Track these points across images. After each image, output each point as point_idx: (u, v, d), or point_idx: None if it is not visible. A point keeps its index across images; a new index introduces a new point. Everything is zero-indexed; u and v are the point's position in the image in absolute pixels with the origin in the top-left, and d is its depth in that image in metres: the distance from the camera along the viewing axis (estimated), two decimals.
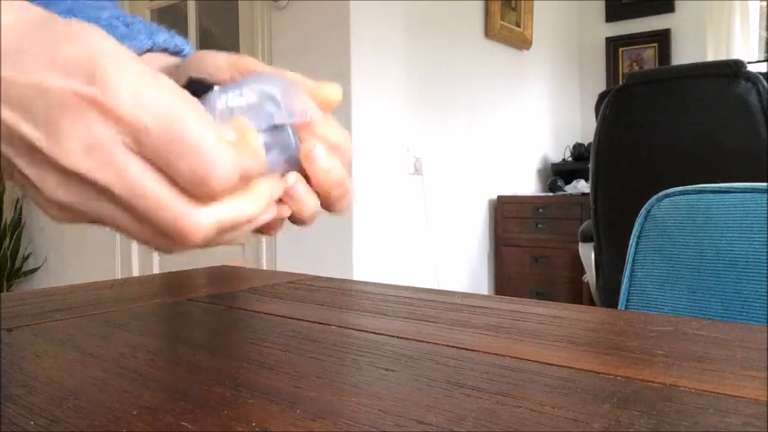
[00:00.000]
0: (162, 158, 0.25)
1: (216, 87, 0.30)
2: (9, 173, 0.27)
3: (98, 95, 0.24)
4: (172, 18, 3.13)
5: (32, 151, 0.25)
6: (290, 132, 0.32)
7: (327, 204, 0.35)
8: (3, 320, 0.47)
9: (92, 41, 0.25)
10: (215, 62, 0.36)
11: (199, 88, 0.30)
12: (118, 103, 0.24)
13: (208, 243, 0.28)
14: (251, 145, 0.28)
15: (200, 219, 0.26)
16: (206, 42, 2.99)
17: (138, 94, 0.25)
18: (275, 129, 0.31)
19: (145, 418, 0.27)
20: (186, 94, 0.27)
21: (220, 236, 0.28)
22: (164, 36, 0.45)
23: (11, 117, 0.25)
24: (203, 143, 0.25)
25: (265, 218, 0.30)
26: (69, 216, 0.27)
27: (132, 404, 0.28)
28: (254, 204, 0.28)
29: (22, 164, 0.26)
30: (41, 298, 0.57)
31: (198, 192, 0.26)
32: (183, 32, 2.94)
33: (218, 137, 0.26)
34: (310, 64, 2.31)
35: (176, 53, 0.46)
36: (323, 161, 0.32)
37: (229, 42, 2.71)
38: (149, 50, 0.44)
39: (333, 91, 0.35)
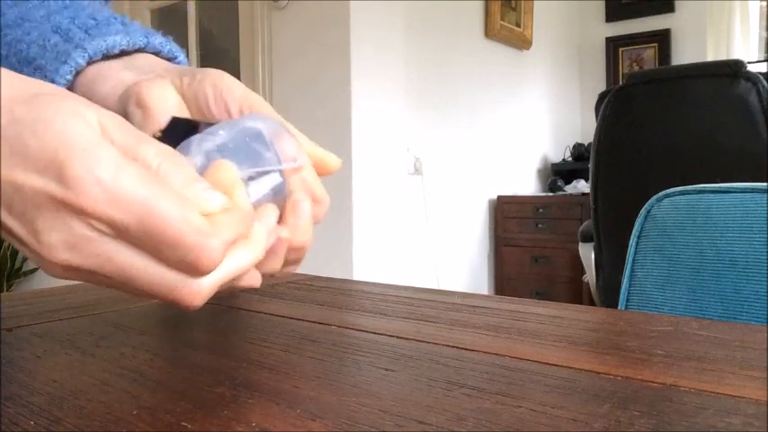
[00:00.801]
0: (147, 247, 0.26)
1: (202, 127, 0.30)
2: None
3: (69, 198, 0.24)
4: (172, 18, 3.13)
5: (21, 242, 0.26)
6: (280, 175, 0.31)
7: (284, 263, 0.34)
8: (3, 320, 0.47)
9: (58, 131, 0.25)
10: (230, 88, 0.35)
11: (182, 126, 0.30)
12: (90, 203, 0.24)
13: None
14: (238, 205, 0.28)
15: (198, 287, 0.27)
16: (206, 42, 2.99)
17: (109, 191, 0.24)
18: (264, 170, 0.30)
19: (145, 418, 0.27)
20: (163, 169, 0.26)
21: (224, 287, 0.28)
22: (159, 39, 0.44)
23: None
24: (185, 233, 0.25)
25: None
26: (73, 274, 0.28)
27: (132, 404, 0.28)
28: (252, 253, 0.28)
29: (16, 244, 0.27)
30: (41, 298, 0.57)
31: (191, 273, 0.26)
32: (183, 32, 2.95)
33: (199, 221, 0.25)
34: (310, 64, 2.31)
35: (169, 59, 0.44)
36: (307, 218, 0.32)
37: (229, 42, 2.71)
38: (142, 50, 0.43)
39: (332, 160, 0.35)
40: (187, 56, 0.48)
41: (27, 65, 0.42)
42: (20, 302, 0.54)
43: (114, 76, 0.40)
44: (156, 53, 0.43)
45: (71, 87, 0.40)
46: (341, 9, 2.22)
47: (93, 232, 0.25)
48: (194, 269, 0.26)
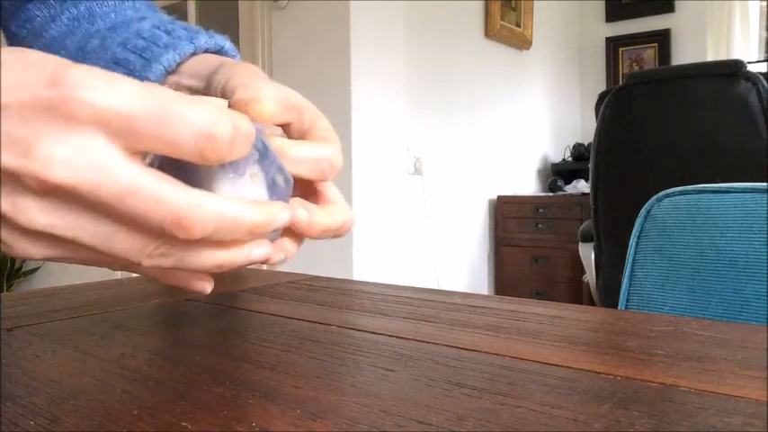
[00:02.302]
0: (155, 141, 0.23)
1: None
2: None
3: (64, 92, 0.22)
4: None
5: (3, 177, 0.23)
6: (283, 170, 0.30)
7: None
8: (3, 320, 0.47)
9: (36, 54, 0.23)
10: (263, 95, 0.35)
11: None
12: (89, 95, 0.22)
13: (205, 238, 0.25)
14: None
15: (203, 205, 0.24)
16: None
17: (109, 85, 0.23)
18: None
19: (145, 418, 0.27)
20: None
21: (217, 235, 0.25)
22: (204, 38, 0.46)
23: None
24: (198, 110, 0.23)
25: (263, 249, 0.28)
26: (43, 247, 0.25)
27: (132, 404, 0.28)
28: (257, 213, 0.26)
29: None
30: (41, 298, 0.57)
31: (205, 157, 0.24)
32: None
33: (212, 106, 0.24)
34: (310, 64, 2.31)
35: (217, 52, 0.46)
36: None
37: None
38: (193, 54, 0.45)
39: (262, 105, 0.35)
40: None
41: None
42: (20, 302, 0.54)
43: None
44: (205, 51, 0.46)
45: None
46: (341, 9, 2.22)
47: (94, 136, 0.23)
48: (211, 146, 0.24)
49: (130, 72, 0.44)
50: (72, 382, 0.32)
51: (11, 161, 0.22)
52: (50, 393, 0.30)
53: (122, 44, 0.46)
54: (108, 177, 0.23)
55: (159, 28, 0.47)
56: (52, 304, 0.53)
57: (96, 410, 0.28)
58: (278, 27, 2.41)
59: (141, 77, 0.43)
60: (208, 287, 0.30)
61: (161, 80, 0.44)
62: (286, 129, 0.37)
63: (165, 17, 0.51)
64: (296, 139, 0.35)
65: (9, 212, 0.24)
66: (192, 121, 0.23)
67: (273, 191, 0.29)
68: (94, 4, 0.52)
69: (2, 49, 0.24)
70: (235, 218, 0.25)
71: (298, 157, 0.32)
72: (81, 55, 0.48)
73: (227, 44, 0.48)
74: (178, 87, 0.43)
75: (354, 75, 2.22)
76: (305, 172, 0.32)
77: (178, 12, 3.02)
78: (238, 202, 0.26)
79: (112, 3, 0.52)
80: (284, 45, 2.40)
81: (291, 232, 0.31)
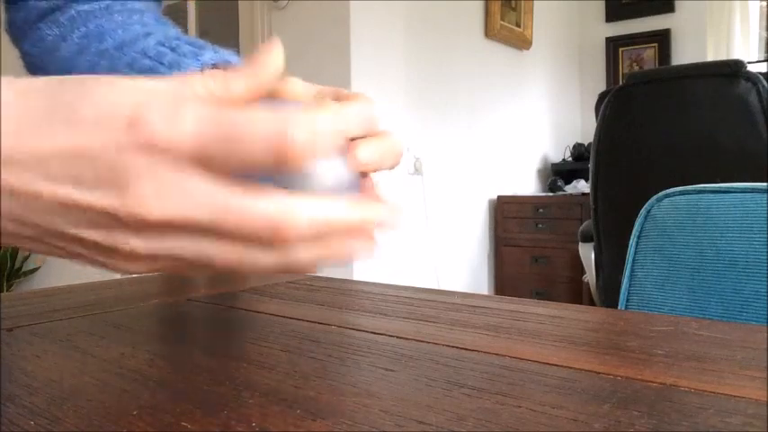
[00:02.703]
0: (233, 162, 0.24)
1: None
2: (51, 250, 0.26)
3: (143, 135, 0.23)
4: (172, 18, 3.13)
5: (98, 216, 0.24)
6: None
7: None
8: (3, 320, 0.47)
9: (101, 91, 0.24)
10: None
11: None
12: (164, 133, 0.23)
13: (303, 245, 0.26)
14: (332, 109, 0.27)
15: (299, 209, 0.24)
16: None
17: (177, 117, 0.23)
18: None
19: (145, 418, 0.27)
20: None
21: (315, 239, 0.26)
22: (209, 53, 0.46)
23: (62, 191, 0.23)
24: (268, 120, 0.24)
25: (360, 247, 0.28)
26: (145, 264, 0.26)
27: (132, 404, 0.28)
28: (353, 212, 0.27)
29: (86, 234, 0.25)
30: (41, 298, 0.57)
31: (288, 167, 0.24)
32: (183, 33, 2.95)
33: (275, 116, 0.24)
34: (310, 64, 2.31)
35: (225, 67, 0.47)
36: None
37: (229, 42, 2.71)
38: (199, 71, 0.44)
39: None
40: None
41: None
42: (20, 302, 0.54)
43: None
44: (212, 67, 0.46)
45: None
46: (341, 9, 2.22)
47: (179, 168, 0.23)
48: (283, 148, 0.23)
49: None
50: (72, 382, 0.32)
51: (106, 202, 0.23)
52: (50, 393, 0.30)
53: (129, 65, 0.46)
54: (198, 205, 0.24)
55: (164, 45, 0.47)
56: (52, 304, 0.53)
57: (96, 410, 0.28)
58: (278, 27, 2.41)
59: None
60: (373, 245, 0.29)
61: None
62: None
63: (173, 31, 0.50)
64: None
65: (111, 245, 0.25)
66: (261, 137, 0.23)
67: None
68: (103, 20, 0.52)
69: (71, 83, 0.24)
70: (330, 220, 0.26)
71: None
72: None
73: (234, 59, 0.47)
74: None
75: (354, 75, 2.22)
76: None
77: (178, 12, 3.02)
78: (332, 203, 0.26)
79: (120, 18, 0.52)
80: (284, 45, 2.39)
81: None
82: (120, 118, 0.23)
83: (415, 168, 2.77)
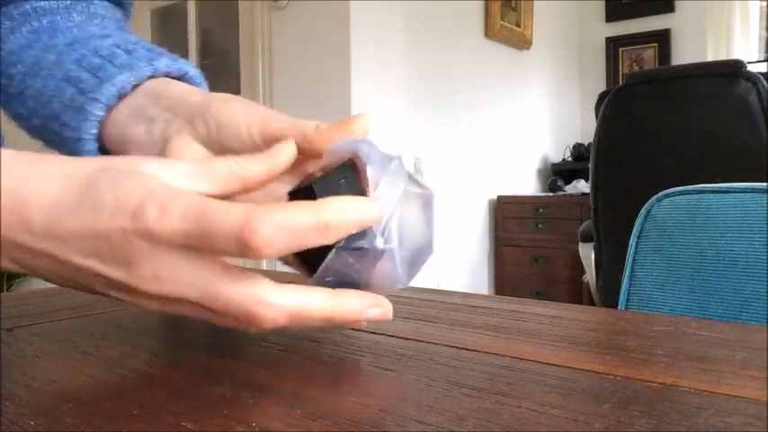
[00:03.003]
0: (212, 250, 0.28)
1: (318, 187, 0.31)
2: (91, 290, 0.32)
3: (143, 226, 0.28)
4: (172, 18, 3.13)
5: (118, 284, 0.30)
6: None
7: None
8: (3, 320, 0.47)
9: (122, 181, 0.29)
10: (249, 124, 0.37)
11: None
12: (157, 226, 0.28)
13: (282, 327, 0.30)
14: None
15: (267, 302, 0.28)
16: (206, 42, 2.99)
17: (167, 211, 0.28)
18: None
19: (145, 418, 0.27)
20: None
21: (293, 323, 0.30)
22: (165, 61, 0.44)
23: (89, 263, 0.29)
24: (228, 218, 0.27)
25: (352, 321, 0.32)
26: (169, 308, 0.31)
27: (132, 404, 0.28)
28: (330, 304, 0.30)
29: (112, 293, 0.31)
30: (41, 298, 0.57)
31: (250, 256, 0.27)
32: (183, 32, 2.95)
33: (242, 209, 0.27)
34: (310, 64, 2.31)
35: (179, 77, 0.45)
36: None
37: (229, 42, 2.71)
38: (151, 77, 0.43)
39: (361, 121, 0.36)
40: (187, 57, 0.48)
41: (53, 121, 0.45)
42: (20, 302, 0.54)
43: (130, 132, 0.42)
44: (165, 75, 0.44)
45: (103, 131, 0.43)
46: (341, 9, 2.22)
47: (172, 255, 0.28)
48: (245, 247, 0.27)
49: (81, 91, 0.43)
50: (72, 382, 0.32)
51: (120, 275, 0.29)
52: (50, 393, 0.30)
53: (77, 61, 0.44)
54: (188, 285, 0.29)
55: (120, 47, 0.45)
56: (52, 304, 0.53)
57: (96, 410, 0.28)
58: (278, 27, 2.41)
59: (91, 99, 0.42)
60: (388, 313, 0.33)
61: (112, 102, 0.42)
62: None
63: (132, 37, 0.48)
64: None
65: (131, 301, 0.31)
66: (227, 230, 0.27)
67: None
68: (59, 18, 0.49)
69: (104, 170, 0.29)
70: (306, 311, 0.30)
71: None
72: (35, 71, 0.46)
73: (192, 70, 0.46)
74: (139, 112, 0.42)
75: (354, 75, 2.22)
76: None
77: (178, 12, 3.02)
78: (311, 293, 0.30)
79: (78, 18, 0.50)
80: (284, 45, 2.40)
81: None
82: (129, 208, 0.28)
83: (415, 168, 2.77)
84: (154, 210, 0.28)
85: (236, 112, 0.37)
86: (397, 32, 2.44)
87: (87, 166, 0.30)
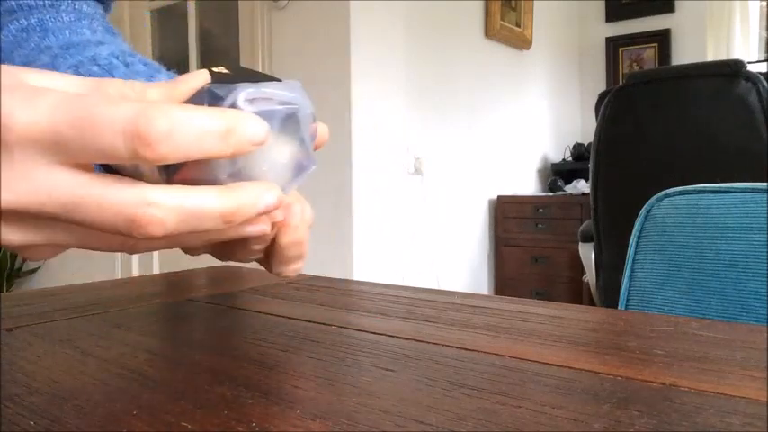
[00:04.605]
0: (86, 150, 0.23)
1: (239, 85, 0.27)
2: None
3: (2, 120, 0.22)
4: (172, 18, 3.13)
5: None
6: (308, 144, 0.29)
7: (279, 260, 0.35)
8: (3, 320, 0.47)
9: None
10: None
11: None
12: (14, 119, 0.22)
13: (173, 234, 0.25)
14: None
15: (155, 202, 0.23)
16: (206, 42, 2.99)
17: (31, 102, 0.23)
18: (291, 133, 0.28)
19: (145, 418, 0.27)
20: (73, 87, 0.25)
21: (186, 226, 0.25)
22: (163, 77, 0.44)
23: None
24: (121, 107, 0.23)
25: (248, 228, 0.28)
26: (33, 253, 0.26)
27: (132, 404, 0.28)
28: (228, 200, 0.25)
29: None
30: (41, 298, 0.57)
31: (143, 157, 0.23)
32: (183, 32, 2.94)
33: (131, 103, 0.23)
34: (310, 64, 2.31)
35: None
36: (297, 219, 0.33)
37: (229, 42, 2.71)
38: None
39: (323, 129, 0.34)
40: (187, 57, 0.48)
41: None
42: (20, 302, 0.54)
43: None
44: None
45: None
46: (341, 9, 2.22)
47: (29, 158, 0.23)
48: (138, 142, 0.22)
49: None
50: (72, 382, 0.32)
51: None
52: (50, 393, 0.30)
53: (75, 67, 0.43)
54: (49, 195, 0.23)
55: (117, 57, 0.44)
56: (52, 304, 0.53)
57: (96, 410, 0.28)
58: (278, 27, 2.41)
59: None
60: (267, 227, 0.29)
61: None
62: None
63: (125, 46, 0.48)
64: None
65: None
66: (116, 119, 0.22)
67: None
68: (47, 17, 0.48)
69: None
70: (198, 210, 0.25)
71: None
72: None
73: None
74: None
75: (354, 75, 2.22)
76: None
77: (178, 12, 3.02)
78: (202, 191, 0.25)
79: (68, 18, 0.49)
80: (284, 45, 2.40)
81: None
82: None
83: (415, 168, 2.77)
84: (12, 102, 0.22)
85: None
86: (397, 32, 2.44)
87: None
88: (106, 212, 0.23)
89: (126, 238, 0.25)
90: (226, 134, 0.24)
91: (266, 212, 0.27)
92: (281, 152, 0.29)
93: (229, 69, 0.29)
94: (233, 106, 0.26)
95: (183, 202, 0.24)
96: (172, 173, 0.26)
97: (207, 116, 0.24)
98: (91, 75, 0.43)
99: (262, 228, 0.29)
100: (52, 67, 0.44)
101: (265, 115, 0.26)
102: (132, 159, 0.23)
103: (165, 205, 0.24)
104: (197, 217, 0.25)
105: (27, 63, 0.45)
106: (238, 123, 0.24)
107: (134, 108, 0.22)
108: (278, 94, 0.28)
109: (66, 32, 0.47)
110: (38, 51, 0.46)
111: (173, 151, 0.23)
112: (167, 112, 0.23)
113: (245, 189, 0.26)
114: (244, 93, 0.26)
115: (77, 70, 0.43)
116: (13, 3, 0.49)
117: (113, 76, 0.42)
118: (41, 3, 0.49)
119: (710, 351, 0.35)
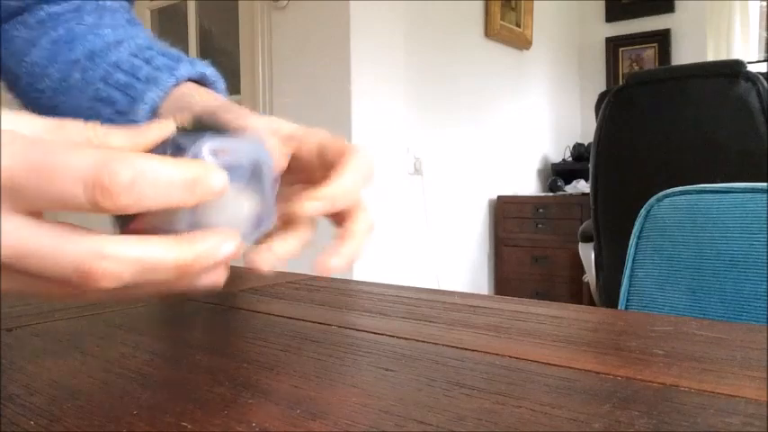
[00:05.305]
0: (43, 197, 0.22)
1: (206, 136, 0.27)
2: None
3: None
4: (172, 18, 3.13)
5: None
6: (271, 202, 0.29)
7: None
8: (3, 320, 0.47)
9: None
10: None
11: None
12: None
13: (125, 286, 0.24)
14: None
15: (109, 254, 0.23)
16: (206, 42, 2.99)
17: None
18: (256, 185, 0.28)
19: (145, 418, 0.27)
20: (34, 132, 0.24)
21: (140, 278, 0.24)
22: (185, 66, 0.46)
23: None
24: (82, 155, 0.22)
25: (202, 280, 0.27)
26: None
27: (132, 404, 0.28)
28: (184, 251, 0.24)
29: None
30: (41, 298, 0.57)
31: (102, 207, 0.22)
32: (183, 32, 2.94)
33: (93, 151, 0.22)
34: (310, 64, 2.31)
35: (199, 80, 0.47)
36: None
37: (229, 42, 2.71)
38: (175, 85, 0.45)
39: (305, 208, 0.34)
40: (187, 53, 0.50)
41: None
42: (20, 302, 0.54)
43: None
44: (187, 81, 0.46)
45: None
46: (341, 9, 2.22)
47: None
48: (101, 190, 0.22)
49: (118, 112, 0.44)
50: (72, 382, 0.32)
51: None
52: (50, 393, 0.30)
53: (104, 79, 0.46)
54: (3, 243, 0.22)
55: (137, 56, 0.46)
56: (52, 304, 0.53)
57: (96, 410, 0.28)
58: (278, 27, 2.41)
59: (129, 119, 0.44)
60: (221, 278, 0.28)
61: (149, 117, 0.44)
62: (292, 160, 0.36)
63: (144, 37, 0.49)
64: (319, 170, 0.36)
65: None
66: (76, 167, 0.21)
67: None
68: (74, 23, 0.50)
69: None
70: (153, 261, 0.24)
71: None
72: (64, 87, 0.48)
73: (209, 70, 0.47)
74: None
75: (354, 75, 2.22)
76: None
77: (178, 12, 3.02)
78: (160, 242, 0.24)
79: (91, 20, 0.51)
80: (284, 45, 2.40)
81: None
82: None
83: (415, 168, 2.77)
84: None
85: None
86: (397, 32, 2.44)
87: None
88: (60, 263, 0.23)
89: (77, 287, 0.24)
90: (189, 186, 0.24)
91: (224, 262, 0.26)
92: (242, 205, 0.28)
93: (194, 121, 0.29)
94: (196, 157, 0.26)
95: (142, 255, 0.23)
96: (128, 220, 0.25)
97: (170, 167, 0.23)
98: (118, 83, 0.45)
99: (214, 280, 0.28)
100: (84, 82, 0.46)
101: (229, 167, 0.26)
102: (92, 209, 0.22)
103: (122, 258, 0.23)
104: (152, 268, 0.24)
105: (63, 77, 0.48)
106: (202, 176, 0.24)
107: (95, 156, 0.22)
108: (242, 148, 0.28)
109: (90, 37, 0.49)
110: (69, 66, 0.48)
111: (134, 203, 0.22)
112: (131, 162, 0.22)
113: (204, 238, 0.25)
114: (208, 144, 0.26)
115: (106, 81, 0.46)
116: (44, 14, 0.51)
117: (139, 79, 0.45)
118: (67, 8, 0.51)
119: (710, 351, 0.35)
